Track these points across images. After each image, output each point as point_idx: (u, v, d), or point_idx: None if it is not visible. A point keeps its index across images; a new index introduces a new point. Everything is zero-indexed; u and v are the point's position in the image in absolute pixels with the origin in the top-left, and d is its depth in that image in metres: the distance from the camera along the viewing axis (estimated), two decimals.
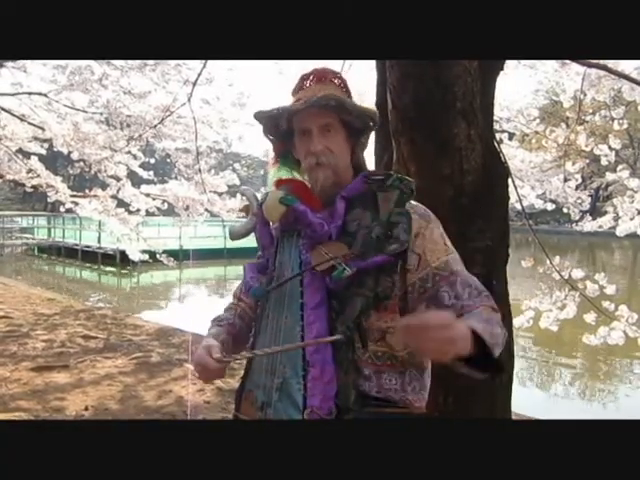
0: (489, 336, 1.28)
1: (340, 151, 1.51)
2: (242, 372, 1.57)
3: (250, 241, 1.65)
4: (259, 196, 1.62)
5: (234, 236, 1.62)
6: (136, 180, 8.63)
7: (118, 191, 8.19)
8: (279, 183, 1.55)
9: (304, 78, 1.57)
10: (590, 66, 4.09)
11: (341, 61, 4.27)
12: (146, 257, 9.19)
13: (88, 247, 22.82)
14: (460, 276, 1.45)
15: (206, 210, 8.38)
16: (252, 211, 1.58)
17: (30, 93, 7.90)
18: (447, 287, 1.43)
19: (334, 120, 1.50)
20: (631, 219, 5.33)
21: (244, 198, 1.63)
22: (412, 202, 1.51)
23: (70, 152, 7.77)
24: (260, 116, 1.57)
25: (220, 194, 8.29)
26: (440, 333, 1.15)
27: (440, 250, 1.46)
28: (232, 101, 8.04)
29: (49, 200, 8.91)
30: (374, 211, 1.47)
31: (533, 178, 6.30)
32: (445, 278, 1.43)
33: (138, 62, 7.19)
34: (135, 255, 9.19)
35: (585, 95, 5.07)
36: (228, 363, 1.45)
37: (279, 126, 1.60)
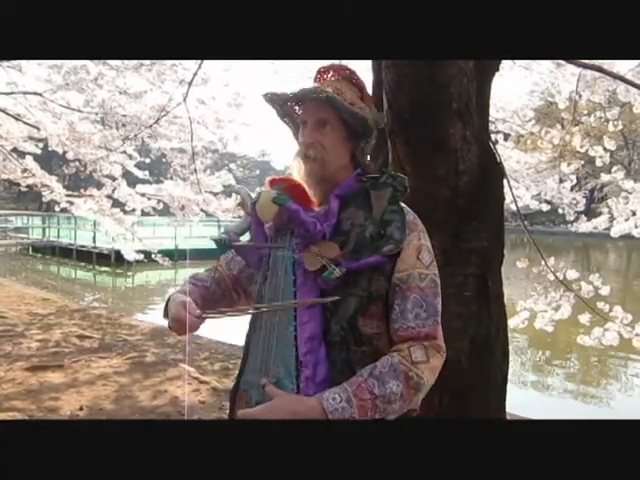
0: (369, 402, 1.29)
1: (333, 148, 1.49)
2: (237, 372, 1.57)
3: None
4: (253, 195, 1.61)
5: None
6: (131, 180, 8.62)
7: (113, 191, 8.18)
8: (272, 182, 1.54)
9: (320, 72, 1.57)
10: (585, 67, 4.11)
11: (337, 61, 4.28)
12: (141, 257, 9.19)
13: (83, 247, 22.77)
14: (416, 294, 1.40)
15: (202, 210, 8.38)
16: (246, 210, 1.58)
17: (25, 92, 7.87)
18: (400, 300, 1.41)
19: (331, 116, 1.48)
20: (626, 220, 5.34)
21: (238, 197, 1.62)
22: (405, 207, 1.50)
23: (65, 152, 7.76)
24: (267, 99, 1.56)
25: (216, 194, 8.30)
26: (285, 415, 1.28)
27: (408, 262, 1.42)
28: (228, 101, 8.05)
29: (44, 200, 8.88)
30: (367, 210, 1.47)
31: (528, 179, 6.32)
32: (402, 291, 1.41)
33: (134, 62, 7.17)
34: (130, 255, 9.19)
35: (580, 96, 5.09)
36: (207, 317, 1.44)
37: (293, 114, 1.60)
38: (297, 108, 1.59)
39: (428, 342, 1.39)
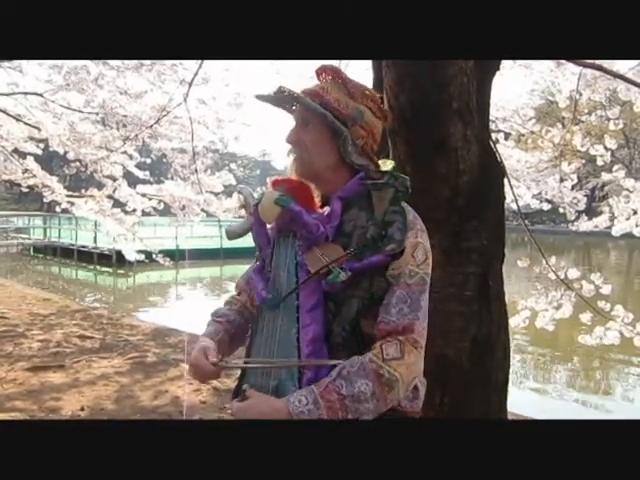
0: (337, 403, 1.29)
1: (314, 146, 1.49)
2: (238, 372, 1.57)
3: (246, 241, 1.65)
4: (256, 195, 1.61)
5: (231, 236, 1.62)
6: (132, 180, 8.61)
7: (114, 191, 8.17)
8: (275, 183, 1.54)
9: (317, 73, 1.57)
10: (586, 66, 4.10)
11: (337, 61, 4.27)
12: (142, 257, 9.18)
13: (84, 247, 22.76)
14: (403, 290, 1.40)
15: (202, 210, 8.37)
16: (249, 210, 1.58)
17: (26, 93, 7.86)
18: (387, 295, 1.40)
19: (312, 116, 1.48)
20: (627, 219, 5.33)
21: (241, 197, 1.62)
22: (406, 207, 1.49)
23: (66, 152, 7.75)
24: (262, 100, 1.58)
25: (216, 194, 8.29)
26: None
27: (403, 259, 1.41)
28: (228, 101, 8.05)
29: (45, 200, 8.88)
30: (369, 211, 1.46)
31: (529, 178, 6.31)
32: (391, 286, 1.40)
33: (134, 62, 7.17)
34: (131, 255, 9.17)
35: (581, 95, 5.08)
36: (223, 368, 1.46)
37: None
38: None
39: (405, 336, 1.37)
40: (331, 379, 1.32)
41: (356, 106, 1.50)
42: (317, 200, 1.55)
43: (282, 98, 1.54)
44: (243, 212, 1.63)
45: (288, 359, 1.41)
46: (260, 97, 1.55)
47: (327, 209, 1.51)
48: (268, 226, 1.57)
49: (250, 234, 1.59)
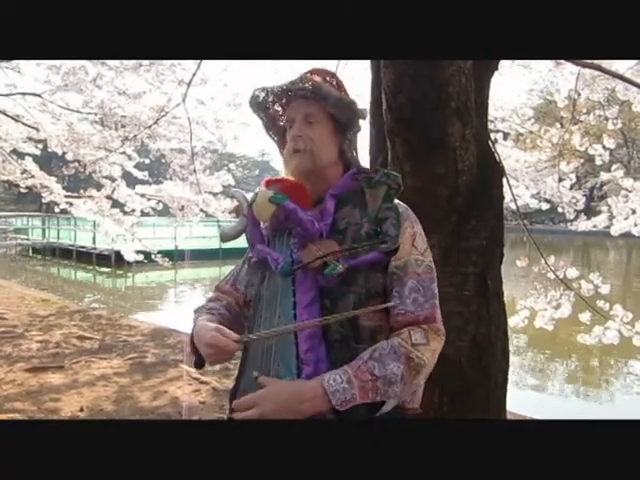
0: (370, 383, 1.31)
1: (322, 142, 1.51)
2: (236, 372, 1.57)
3: (245, 241, 1.65)
4: (249, 197, 1.62)
5: (224, 238, 1.62)
6: (131, 180, 8.63)
7: (113, 192, 8.18)
8: (269, 182, 1.55)
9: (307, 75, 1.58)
10: (584, 66, 4.11)
11: (336, 61, 4.27)
12: (141, 257, 9.19)
13: (83, 248, 22.75)
14: (414, 279, 1.43)
15: (201, 210, 8.38)
16: (242, 212, 1.58)
17: (24, 94, 7.86)
18: (398, 287, 1.43)
19: (318, 111, 1.50)
20: (625, 218, 5.35)
21: (234, 200, 1.63)
22: (397, 202, 1.52)
23: (64, 153, 7.75)
24: (254, 103, 1.59)
25: (215, 194, 8.29)
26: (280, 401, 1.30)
27: (404, 250, 1.44)
28: (227, 101, 8.06)
29: (43, 201, 8.88)
30: (363, 208, 1.48)
31: (528, 178, 6.32)
32: (400, 278, 1.43)
33: (133, 62, 7.17)
34: (130, 255, 9.18)
35: (579, 95, 5.10)
36: (244, 344, 1.46)
37: (277, 123, 1.63)
38: (281, 110, 1.62)
39: (427, 325, 1.41)
40: (363, 361, 1.34)
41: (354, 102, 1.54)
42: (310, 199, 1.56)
43: (261, 103, 1.57)
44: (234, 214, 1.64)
45: (285, 355, 1.41)
46: (266, 90, 1.57)
47: (319, 208, 1.51)
48: (262, 225, 1.57)
49: (244, 236, 1.60)
